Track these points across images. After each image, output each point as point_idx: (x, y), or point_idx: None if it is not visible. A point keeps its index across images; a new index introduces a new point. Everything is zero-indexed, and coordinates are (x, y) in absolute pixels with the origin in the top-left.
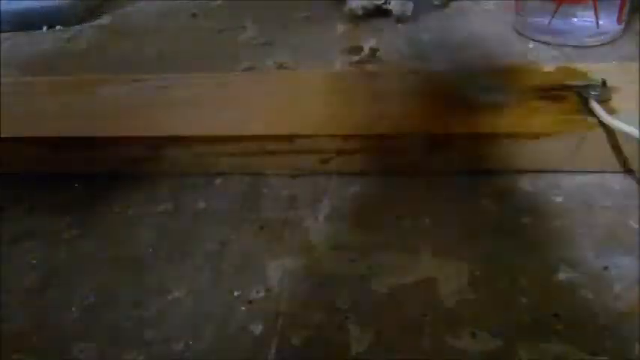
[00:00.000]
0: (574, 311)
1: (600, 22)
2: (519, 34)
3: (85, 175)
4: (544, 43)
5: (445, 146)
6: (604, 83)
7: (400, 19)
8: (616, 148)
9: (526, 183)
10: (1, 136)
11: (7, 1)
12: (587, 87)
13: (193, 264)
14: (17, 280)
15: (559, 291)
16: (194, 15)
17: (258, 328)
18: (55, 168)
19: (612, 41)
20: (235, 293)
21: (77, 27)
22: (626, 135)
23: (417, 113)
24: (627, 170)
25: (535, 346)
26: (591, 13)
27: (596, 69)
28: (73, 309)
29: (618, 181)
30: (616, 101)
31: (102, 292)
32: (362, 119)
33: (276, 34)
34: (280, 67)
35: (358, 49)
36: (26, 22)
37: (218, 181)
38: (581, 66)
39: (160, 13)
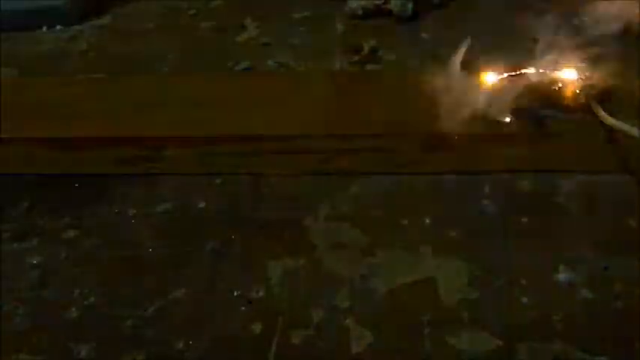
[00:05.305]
0: (574, 311)
1: None
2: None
3: (85, 175)
4: None
5: (445, 146)
6: (604, 83)
7: (400, 19)
8: (616, 148)
9: (526, 183)
10: (1, 136)
11: (7, 1)
12: (587, 87)
13: (193, 264)
14: (17, 280)
15: (559, 291)
16: (194, 15)
17: (258, 328)
18: (55, 168)
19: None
20: (235, 293)
21: (77, 27)
22: (626, 135)
23: (416, 113)
24: (627, 170)
25: (535, 346)
26: None
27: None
28: (73, 309)
29: (618, 181)
30: (616, 101)
31: (102, 292)
32: (362, 119)
33: (276, 34)
34: (280, 67)
35: (358, 49)
36: (26, 22)
37: (218, 181)
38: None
39: (159, 13)
